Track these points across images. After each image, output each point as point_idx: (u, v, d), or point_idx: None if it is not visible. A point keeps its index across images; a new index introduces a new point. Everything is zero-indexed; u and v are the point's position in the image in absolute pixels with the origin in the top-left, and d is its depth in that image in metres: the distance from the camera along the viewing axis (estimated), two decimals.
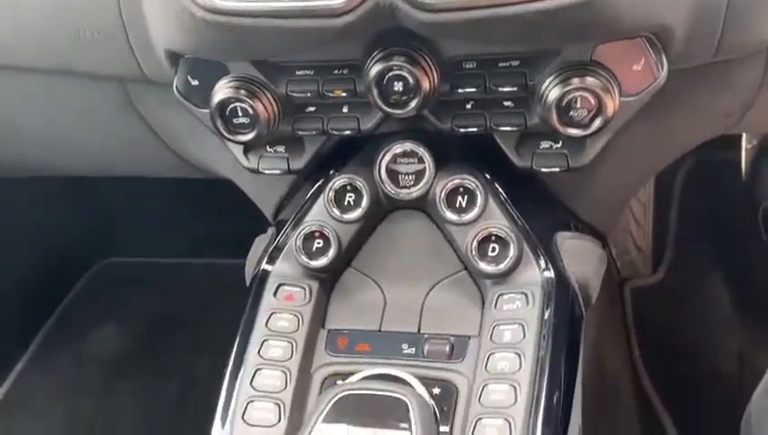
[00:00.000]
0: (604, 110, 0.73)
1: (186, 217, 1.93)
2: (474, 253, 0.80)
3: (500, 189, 0.83)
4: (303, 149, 0.87)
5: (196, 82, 0.81)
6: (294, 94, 0.80)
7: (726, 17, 0.72)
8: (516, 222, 0.81)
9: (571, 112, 0.73)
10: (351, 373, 0.75)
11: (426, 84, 0.73)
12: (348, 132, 0.83)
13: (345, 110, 0.82)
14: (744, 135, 1.54)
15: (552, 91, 0.73)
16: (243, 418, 0.73)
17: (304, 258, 0.84)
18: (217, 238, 1.82)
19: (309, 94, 0.80)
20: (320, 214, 0.85)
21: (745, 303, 1.56)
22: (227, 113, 0.79)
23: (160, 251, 1.94)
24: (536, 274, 0.79)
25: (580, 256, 0.85)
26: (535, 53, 0.74)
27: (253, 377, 0.75)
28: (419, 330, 0.81)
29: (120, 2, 0.80)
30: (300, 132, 0.84)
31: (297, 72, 0.79)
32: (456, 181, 0.81)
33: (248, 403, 0.73)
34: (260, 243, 0.92)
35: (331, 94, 0.79)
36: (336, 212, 0.84)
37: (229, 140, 0.82)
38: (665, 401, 1.45)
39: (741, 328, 1.54)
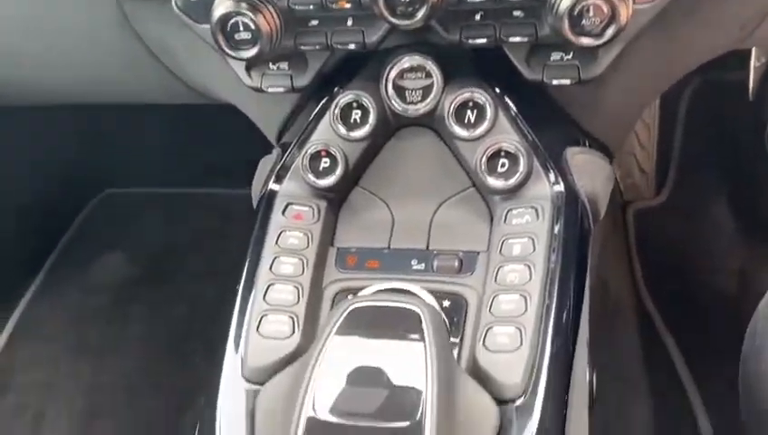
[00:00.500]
0: (617, 18, 0.71)
1: (186, 148, 1.92)
2: (483, 168, 0.79)
3: (510, 104, 0.81)
4: (307, 66, 0.85)
5: None
6: (297, 7, 0.77)
7: None
8: (526, 136, 0.80)
9: (584, 21, 0.71)
10: (362, 289, 0.76)
11: None
12: (352, 46, 0.80)
13: (349, 23, 0.79)
14: (754, 53, 1.51)
15: None
16: (258, 331, 0.73)
17: (311, 177, 0.83)
18: (218, 168, 1.81)
19: (312, 6, 0.77)
20: (326, 132, 0.83)
21: (749, 224, 1.57)
22: (228, 28, 0.77)
23: (161, 181, 1.93)
24: (546, 188, 0.79)
25: (590, 171, 0.84)
26: None
27: (266, 292, 0.76)
28: (428, 247, 0.81)
29: None
30: (303, 47, 0.82)
31: None
32: (466, 95, 0.80)
33: (262, 317, 0.74)
34: (266, 163, 0.92)
35: (334, 6, 0.76)
36: (342, 130, 0.83)
37: (231, 56, 0.79)
38: (667, 321, 1.48)
39: (744, 248, 1.55)
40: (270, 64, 0.85)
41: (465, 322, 0.73)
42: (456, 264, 0.78)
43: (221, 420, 0.70)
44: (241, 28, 0.77)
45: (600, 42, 0.73)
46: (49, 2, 0.90)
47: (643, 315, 1.49)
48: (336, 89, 0.85)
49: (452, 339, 0.72)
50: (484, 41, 0.78)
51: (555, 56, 0.79)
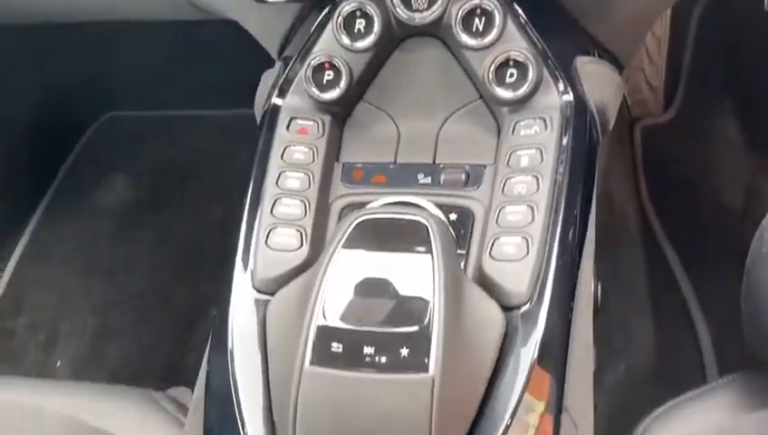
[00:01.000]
0: None
1: (185, 68, 1.88)
2: (491, 78, 0.78)
3: (519, 11, 0.79)
4: None
5: None
6: None
7: None
8: (536, 44, 0.78)
9: None
10: (368, 204, 0.76)
11: None
12: None
13: None
14: None
15: None
16: (266, 243, 0.74)
17: (315, 91, 0.81)
18: (218, 88, 1.78)
19: None
20: (329, 43, 0.81)
21: (758, 141, 1.55)
22: None
23: (160, 104, 1.91)
24: (555, 98, 0.77)
25: (600, 81, 0.82)
26: None
27: (273, 206, 0.76)
28: (434, 161, 0.80)
29: None
30: None
31: None
32: (474, 2, 0.77)
33: (270, 230, 0.74)
34: (268, 78, 0.90)
35: None
36: (346, 40, 0.81)
37: None
38: (670, 236, 1.48)
39: (751, 166, 1.53)
40: None
41: (471, 234, 0.73)
42: (463, 177, 0.77)
43: (233, 329, 0.71)
44: None
45: None
46: None
47: (647, 230, 1.49)
48: None
49: (459, 251, 0.72)
50: None
51: None
